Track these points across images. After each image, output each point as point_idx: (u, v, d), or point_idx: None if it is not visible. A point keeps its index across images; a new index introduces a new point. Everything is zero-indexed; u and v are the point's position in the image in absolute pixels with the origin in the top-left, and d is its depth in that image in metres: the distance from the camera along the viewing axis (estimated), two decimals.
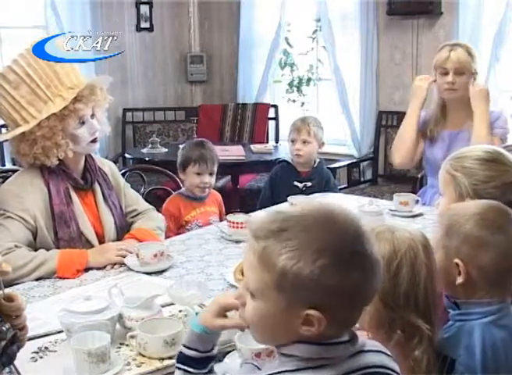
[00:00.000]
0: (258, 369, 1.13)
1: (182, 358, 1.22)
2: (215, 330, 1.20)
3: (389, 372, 1.05)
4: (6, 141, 2.43)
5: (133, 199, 2.45)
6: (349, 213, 1.01)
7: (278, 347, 1.03)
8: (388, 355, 1.08)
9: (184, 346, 1.22)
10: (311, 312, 0.95)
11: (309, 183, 3.19)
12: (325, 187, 3.19)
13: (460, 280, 1.34)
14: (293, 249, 0.94)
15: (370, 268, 0.97)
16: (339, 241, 0.96)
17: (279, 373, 0.99)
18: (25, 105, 2.08)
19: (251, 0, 5.49)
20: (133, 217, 2.41)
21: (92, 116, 2.21)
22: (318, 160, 3.27)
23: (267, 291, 0.97)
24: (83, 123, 2.17)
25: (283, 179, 3.22)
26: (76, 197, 2.21)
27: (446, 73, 2.78)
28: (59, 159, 2.16)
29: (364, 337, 1.10)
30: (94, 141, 2.21)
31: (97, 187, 2.29)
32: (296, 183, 3.19)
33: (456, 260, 1.34)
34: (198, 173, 2.81)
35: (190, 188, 2.85)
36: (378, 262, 1.00)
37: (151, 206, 2.50)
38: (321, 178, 3.23)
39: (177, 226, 2.78)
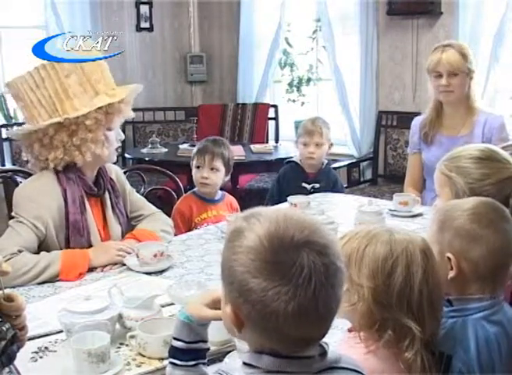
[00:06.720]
0: None
1: (171, 351, 1.23)
2: (200, 321, 1.20)
3: None
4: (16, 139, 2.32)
5: (139, 204, 2.42)
6: None
7: (243, 356, 1.02)
8: None
9: (173, 338, 1.23)
10: None
11: (317, 185, 3.17)
12: (333, 188, 3.18)
13: (451, 274, 1.34)
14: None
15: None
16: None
17: None
18: (71, 95, 2.06)
19: (251, 0, 5.49)
20: (138, 222, 2.38)
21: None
22: (325, 162, 3.26)
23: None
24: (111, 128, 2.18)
25: (291, 180, 3.20)
26: (88, 205, 2.18)
27: (440, 76, 2.79)
28: (76, 167, 2.14)
29: (342, 352, 1.08)
30: (117, 148, 2.22)
31: (106, 194, 2.26)
32: (304, 184, 3.18)
33: (448, 254, 1.35)
34: (198, 167, 2.73)
35: (196, 185, 2.76)
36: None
37: (157, 210, 2.45)
38: (328, 180, 3.22)
39: (187, 226, 2.68)
